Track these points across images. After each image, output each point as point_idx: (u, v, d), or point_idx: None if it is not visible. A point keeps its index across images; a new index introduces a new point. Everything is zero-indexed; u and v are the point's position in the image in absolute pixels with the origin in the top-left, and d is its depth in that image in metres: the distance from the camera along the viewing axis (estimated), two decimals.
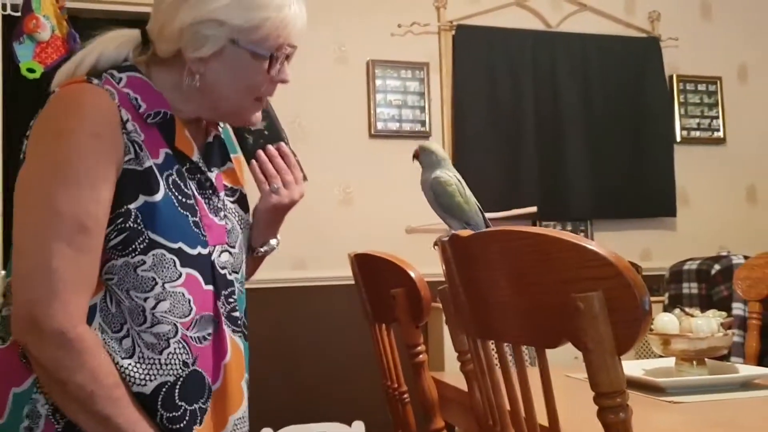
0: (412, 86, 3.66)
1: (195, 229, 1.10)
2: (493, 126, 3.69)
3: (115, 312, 1.06)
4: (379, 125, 3.60)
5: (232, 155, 1.28)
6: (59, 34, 2.46)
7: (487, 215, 3.63)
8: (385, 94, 3.62)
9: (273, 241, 1.31)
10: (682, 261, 2.93)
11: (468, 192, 1.83)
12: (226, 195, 1.21)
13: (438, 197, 1.70)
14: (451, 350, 1.39)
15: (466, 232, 1.02)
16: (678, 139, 4.02)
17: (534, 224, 3.77)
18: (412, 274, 1.45)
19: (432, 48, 3.71)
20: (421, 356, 1.48)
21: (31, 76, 2.48)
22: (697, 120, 4.07)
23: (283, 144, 1.25)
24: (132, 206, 1.05)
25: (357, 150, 3.58)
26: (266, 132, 1.25)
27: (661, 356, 1.68)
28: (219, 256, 1.14)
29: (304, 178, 1.27)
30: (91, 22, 3.37)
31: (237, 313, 1.16)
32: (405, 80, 3.65)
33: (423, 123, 3.66)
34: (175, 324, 1.07)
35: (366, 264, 1.68)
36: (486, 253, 0.97)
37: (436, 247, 1.24)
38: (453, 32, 3.71)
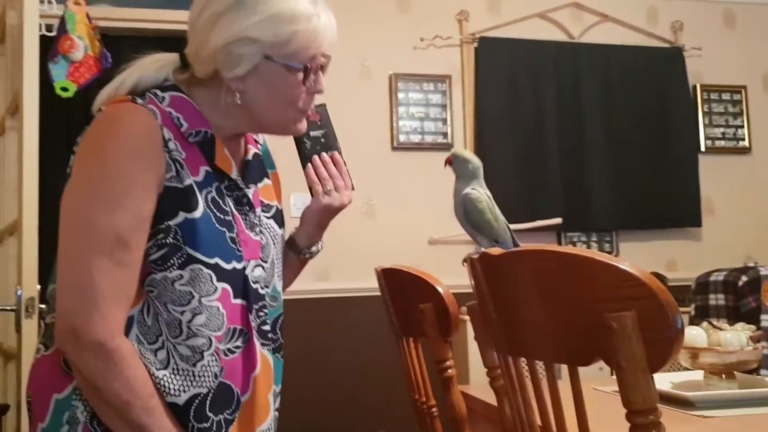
0: (435, 98, 3.68)
1: (231, 245, 1.13)
2: (515, 137, 3.70)
3: (151, 324, 1.09)
4: (402, 137, 3.63)
5: (269, 171, 1.31)
6: (92, 53, 2.52)
7: (512, 226, 3.65)
8: (407, 106, 3.64)
9: (318, 245, 1.35)
10: (708, 272, 2.91)
11: (497, 209, 1.85)
12: (263, 211, 1.24)
13: (468, 214, 1.71)
14: (476, 363, 1.40)
15: (496, 250, 1.03)
16: (703, 148, 4.00)
17: (558, 235, 3.78)
18: (440, 290, 1.46)
19: (454, 60, 3.73)
20: (450, 371, 1.49)
21: (64, 94, 2.55)
22: (721, 129, 4.04)
23: (336, 153, 1.32)
24: (172, 222, 1.08)
25: (380, 162, 3.60)
26: (323, 140, 1.32)
27: (689, 369, 1.67)
28: (252, 270, 1.17)
29: (352, 187, 1.33)
30: (121, 39, 3.44)
31: (267, 327, 1.19)
32: (427, 93, 3.68)
33: (445, 135, 3.68)
34: (209, 337, 1.10)
35: (393, 278, 1.70)
36: (517, 272, 0.98)
37: (465, 264, 1.25)
38: (475, 44, 3.74)
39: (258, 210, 1.22)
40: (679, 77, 3.95)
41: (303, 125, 1.22)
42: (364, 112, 3.59)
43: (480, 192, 1.75)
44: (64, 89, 2.52)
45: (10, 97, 2.51)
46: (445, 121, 3.69)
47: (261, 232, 1.21)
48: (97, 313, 1.02)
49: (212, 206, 1.12)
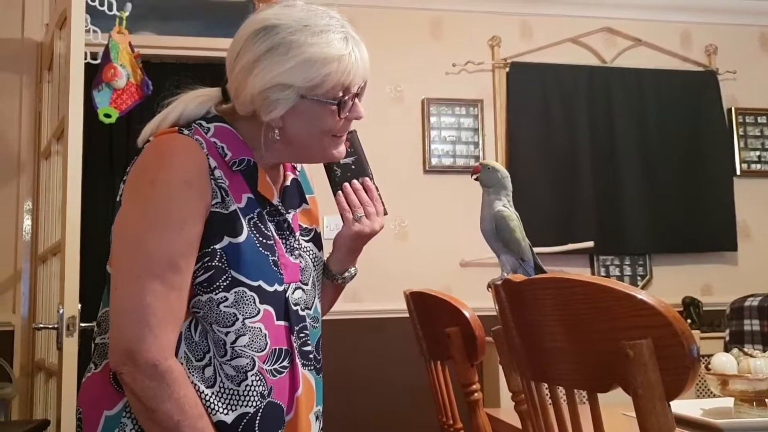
0: (466, 122, 3.72)
1: (274, 268, 1.17)
2: (548, 160, 3.70)
3: (198, 341, 1.14)
4: (434, 161, 3.67)
5: (308, 196, 1.35)
6: (134, 81, 2.62)
7: (543, 250, 3.65)
8: (439, 130, 3.68)
9: (351, 270, 1.37)
10: (744, 297, 2.88)
11: (523, 232, 1.87)
12: (302, 234, 1.29)
13: (499, 231, 1.72)
14: (506, 386, 1.42)
15: (518, 277, 1.06)
16: (738, 172, 3.95)
17: (591, 259, 3.76)
18: (467, 314, 1.48)
19: (486, 85, 3.77)
20: (476, 394, 1.51)
21: (107, 121, 2.64)
22: (757, 153, 4.00)
23: (367, 179, 1.34)
24: (218, 246, 1.13)
25: (412, 185, 3.64)
26: (353, 166, 1.34)
27: (719, 396, 1.66)
28: (293, 293, 1.21)
29: (385, 212, 1.35)
30: (163, 66, 3.55)
31: (308, 347, 1.22)
32: (459, 116, 3.71)
33: (477, 158, 3.71)
34: (252, 358, 1.13)
35: (421, 302, 1.73)
36: (539, 299, 1.00)
37: (489, 289, 1.28)
38: (507, 69, 3.77)
39: (297, 233, 1.27)
40: (713, 101, 3.92)
41: (341, 150, 1.26)
42: (397, 136, 3.64)
43: (511, 211, 1.75)
44: (107, 115, 2.62)
45: (56, 122, 2.61)
46: (476, 144, 3.72)
47: (300, 255, 1.26)
48: (151, 335, 1.07)
49: (255, 231, 1.17)
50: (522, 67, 3.76)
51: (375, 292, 3.47)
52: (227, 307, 1.13)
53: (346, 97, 1.18)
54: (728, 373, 1.59)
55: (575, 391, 0.97)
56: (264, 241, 1.18)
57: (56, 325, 2.14)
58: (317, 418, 1.25)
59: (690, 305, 3.65)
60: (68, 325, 2.10)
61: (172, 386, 1.07)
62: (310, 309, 1.25)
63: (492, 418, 1.61)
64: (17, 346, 3.06)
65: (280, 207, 1.24)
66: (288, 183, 1.29)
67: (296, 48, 1.13)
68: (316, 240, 1.32)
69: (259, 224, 1.18)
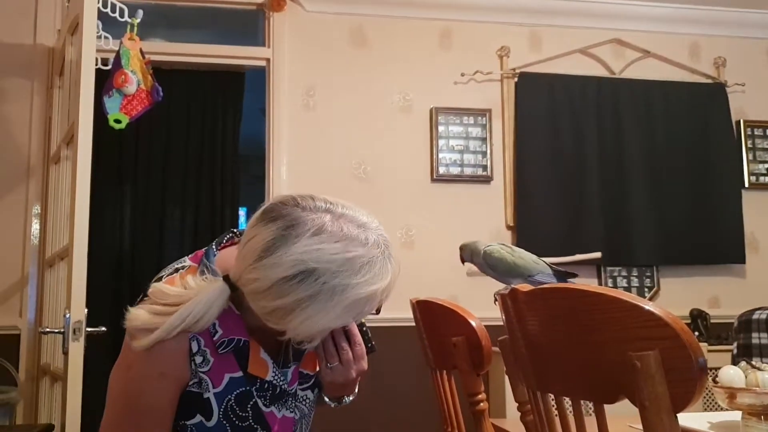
0: (474, 132, 3.72)
1: None
2: (555, 171, 3.70)
3: None
4: (441, 170, 3.67)
5: None
6: (144, 87, 2.64)
7: (551, 260, 3.64)
8: (447, 139, 3.69)
9: (349, 398, 1.33)
10: (752, 310, 2.86)
11: (518, 250, 1.90)
12: (300, 383, 1.26)
13: (495, 268, 1.77)
14: (512, 397, 1.41)
15: (525, 287, 1.06)
16: (746, 184, 3.94)
17: (599, 270, 3.75)
18: (473, 323, 1.48)
19: (494, 95, 3.77)
20: (481, 404, 1.51)
21: (117, 126, 2.66)
22: (766, 165, 3.98)
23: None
24: (189, 422, 1.16)
25: (419, 194, 3.64)
26: None
27: (727, 409, 1.65)
28: None
29: (371, 350, 1.27)
30: (173, 72, 3.57)
31: None
32: (467, 126, 3.72)
33: (485, 167, 3.71)
34: None
35: (427, 311, 1.72)
36: (545, 310, 1.00)
37: (496, 303, 1.27)
38: (515, 79, 3.77)
39: (294, 387, 1.24)
40: (721, 113, 3.91)
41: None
42: (405, 145, 3.65)
43: (493, 244, 1.84)
44: (117, 121, 2.64)
45: (66, 127, 2.62)
46: (484, 153, 3.72)
47: (296, 406, 1.25)
48: None
49: (230, 414, 1.16)
50: (530, 78, 3.77)
51: None
52: None
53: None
54: (736, 387, 1.58)
55: (582, 402, 0.97)
56: (239, 424, 1.17)
57: (62, 330, 2.15)
58: None
59: (697, 317, 3.64)
60: (74, 329, 2.10)
61: None
62: None
63: (498, 428, 1.60)
64: (23, 349, 3.07)
65: (275, 380, 1.20)
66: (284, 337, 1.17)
67: (340, 293, 1.04)
68: (315, 383, 1.29)
69: (236, 407, 1.17)
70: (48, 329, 2.52)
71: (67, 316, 2.11)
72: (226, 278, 1.11)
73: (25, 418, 2.99)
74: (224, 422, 1.16)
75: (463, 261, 2.02)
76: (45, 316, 2.96)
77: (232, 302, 1.13)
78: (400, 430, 3.40)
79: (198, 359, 1.13)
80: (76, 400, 2.10)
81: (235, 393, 1.16)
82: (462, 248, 1.99)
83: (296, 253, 1.03)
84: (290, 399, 1.24)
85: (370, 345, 1.26)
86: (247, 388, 1.17)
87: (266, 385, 1.19)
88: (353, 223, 1.08)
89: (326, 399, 1.31)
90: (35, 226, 3.18)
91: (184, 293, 1.11)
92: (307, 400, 1.28)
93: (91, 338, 2.18)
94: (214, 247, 1.21)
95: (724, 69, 3.99)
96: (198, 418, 1.15)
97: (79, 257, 2.16)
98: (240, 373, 1.17)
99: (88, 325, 2.14)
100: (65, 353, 2.12)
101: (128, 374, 1.13)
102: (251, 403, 1.18)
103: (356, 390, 1.32)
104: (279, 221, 1.06)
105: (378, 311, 1.15)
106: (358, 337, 1.22)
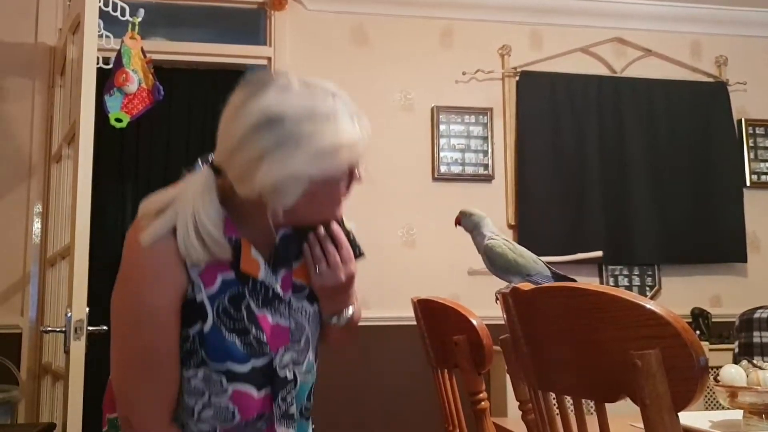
0: (476, 131, 3.72)
1: (245, 350, 1.18)
2: (557, 169, 3.70)
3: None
4: (443, 168, 3.67)
5: None
6: (145, 86, 2.64)
7: (552, 259, 3.64)
8: (448, 138, 3.69)
9: (344, 313, 1.31)
10: (753, 309, 2.86)
11: (519, 248, 1.89)
12: (294, 292, 1.26)
13: (494, 262, 1.76)
14: (514, 395, 1.41)
15: (526, 286, 1.06)
16: (748, 183, 3.94)
17: (600, 269, 3.75)
18: (474, 322, 1.48)
19: (496, 94, 3.77)
20: (482, 403, 1.51)
21: (118, 125, 2.66)
22: (767, 164, 3.98)
23: (334, 223, 1.25)
24: (191, 330, 1.17)
25: (420, 192, 3.64)
26: None
27: (728, 408, 1.65)
28: (281, 358, 1.22)
29: (359, 255, 1.28)
30: (174, 71, 3.57)
31: (292, 409, 1.23)
32: (468, 125, 3.72)
33: (486, 166, 3.71)
34: (215, 426, 1.19)
35: (428, 309, 1.72)
36: (546, 308, 1.00)
37: (498, 302, 1.27)
38: (517, 78, 3.77)
39: (288, 296, 1.24)
40: (723, 112, 3.91)
41: (342, 211, 1.24)
42: (406, 144, 3.65)
43: (496, 238, 1.81)
44: (118, 120, 2.64)
45: (68, 126, 2.62)
46: (486, 152, 3.72)
47: (291, 315, 1.24)
48: (141, 416, 1.16)
49: (222, 316, 1.17)
50: (532, 76, 3.77)
51: (383, 299, 3.46)
52: (197, 381, 1.19)
53: (355, 172, 1.18)
54: (737, 386, 1.58)
55: (583, 401, 0.97)
56: (233, 325, 1.18)
57: (64, 329, 2.15)
58: None
59: (699, 316, 3.63)
60: (76, 328, 2.11)
61: None
62: (301, 364, 1.26)
63: (499, 427, 1.60)
64: (24, 349, 3.07)
65: (266, 280, 1.21)
66: (279, 240, 1.24)
67: (306, 139, 1.09)
68: (312, 294, 1.29)
69: (230, 308, 1.18)
70: (49, 328, 2.52)
71: (69, 315, 2.12)
72: (209, 165, 1.17)
73: (27, 417, 3.00)
74: (219, 324, 1.16)
75: (457, 224, 1.99)
76: (46, 315, 2.96)
77: (222, 205, 1.16)
78: (401, 429, 3.40)
79: (189, 261, 1.15)
80: (78, 399, 2.10)
81: (227, 294, 1.18)
82: (463, 214, 1.95)
83: (263, 103, 1.09)
84: (283, 306, 1.23)
85: (357, 250, 1.27)
86: (240, 289, 1.18)
87: (258, 286, 1.20)
88: (321, 87, 1.13)
89: (326, 318, 1.30)
90: (36, 225, 3.18)
91: (172, 191, 1.18)
92: (305, 312, 1.26)
93: (93, 337, 2.18)
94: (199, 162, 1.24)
95: (726, 68, 3.99)
96: (198, 325, 1.16)
97: (81, 256, 2.16)
98: (232, 275, 1.18)
99: (89, 324, 2.15)
100: (67, 352, 2.13)
101: (125, 287, 1.16)
102: (244, 304, 1.19)
103: (355, 304, 1.33)
104: (250, 86, 1.13)
105: (353, 179, 1.19)
106: (345, 241, 1.25)
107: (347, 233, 1.26)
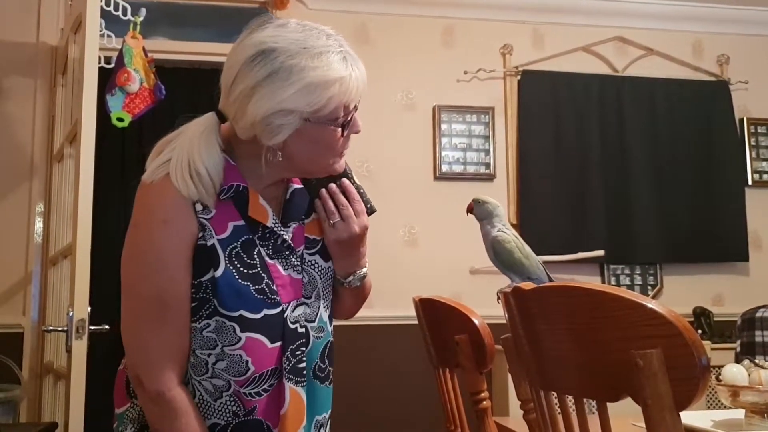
0: (477, 130, 3.72)
1: (258, 296, 1.18)
2: (558, 168, 3.70)
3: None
4: (444, 168, 3.67)
5: None
6: (147, 85, 2.64)
7: (553, 258, 3.64)
8: (450, 137, 3.68)
9: (358, 272, 1.32)
10: (755, 308, 2.85)
11: (527, 248, 1.88)
12: (307, 247, 1.27)
13: (498, 255, 1.76)
14: (515, 395, 1.41)
15: (528, 285, 1.06)
16: (750, 182, 3.93)
17: (602, 268, 3.75)
18: (476, 322, 1.48)
19: (497, 93, 3.77)
20: (484, 402, 1.51)
21: (120, 124, 2.66)
22: None
23: (345, 179, 1.28)
24: (203, 279, 1.17)
25: (422, 192, 3.64)
26: None
27: (730, 407, 1.65)
28: (293, 311, 1.22)
29: (371, 210, 1.30)
30: (176, 71, 3.57)
31: (302, 365, 1.22)
32: (470, 124, 3.71)
33: (487, 165, 3.71)
34: (229, 381, 1.18)
35: (430, 309, 1.72)
36: (548, 308, 1.00)
37: (499, 301, 1.27)
38: (518, 77, 3.77)
39: (300, 249, 1.25)
40: (725, 111, 3.90)
41: (342, 164, 1.26)
42: (407, 143, 3.65)
43: (507, 233, 1.80)
44: (120, 119, 2.64)
45: (69, 126, 2.63)
46: (487, 151, 3.72)
47: (303, 270, 1.25)
48: (152, 369, 1.15)
49: (235, 262, 1.18)
50: (533, 75, 3.76)
51: (384, 299, 3.46)
52: (209, 332, 1.18)
53: (348, 117, 1.18)
54: (739, 385, 1.58)
55: (584, 400, 0.97)
56: (246, 271, 1.18)
57: (65, 328, 2.15)
58: (321, 426, 1.27)
59: (701, 315, 3.63)
60: (77, 327, 2.11)
61: (174, 413, 1.15)
62: (313, 321, 1.25)
63: (500, 426, 1.60)
64: (26, 348, 3.07)
65: (276, 227, 1.22)
66: (289, 195, 1.26)
67: (297, 72, 1.11)
68: (324, 250, 1.30)
69: (242, 254, 1.19)
70: (51, 327, 2.52)
71: (71, 314, 2.12)
72: (215, 111, 1.20)
73: (29, 416, 3.00)
74: (231, 269, 1.16)
75: (469, 212, 1.99)
76: (48, 314, 2.97)
77: (227, 155, 1.19)
78: (402, 429, 3.40)
79: (198, 207, 1.16)
80: (80, 398, 2.10)
81: (240, 240, 1.19)
82: (476, 201, 1.95)
83: (259, 37, 1.14)
84: (296, 258, 1.24)
85: (369, 206, 1.30)
86: (250, 236, 1.19)
87: (267, 233, 1.21)
88: (318, 28, 1.17)
89: (341, 277, 1.31)
90: (38, 225, 3.19)
91: (176, 132, 1.22)
92: (317, 266, 1.27)
93: (95, 336, 2.18)
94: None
95: (728, 66, 3.98)
96: (210, 272, 1.16)
97: (82, 255, 2.17)
98: (242, 222, 1.19)
99: (91, 324, 2.15)
100: (68, 351, 2.13)
101: (135, 233, 1.17)
102: (255, 251, 1.20)
103: (366, 264, 1.34)
104: (251, 26, 1.18)
105: (351, 128, 1.20)
106: (356, 195, 1.28)
107: (357, 188, 1.29)
